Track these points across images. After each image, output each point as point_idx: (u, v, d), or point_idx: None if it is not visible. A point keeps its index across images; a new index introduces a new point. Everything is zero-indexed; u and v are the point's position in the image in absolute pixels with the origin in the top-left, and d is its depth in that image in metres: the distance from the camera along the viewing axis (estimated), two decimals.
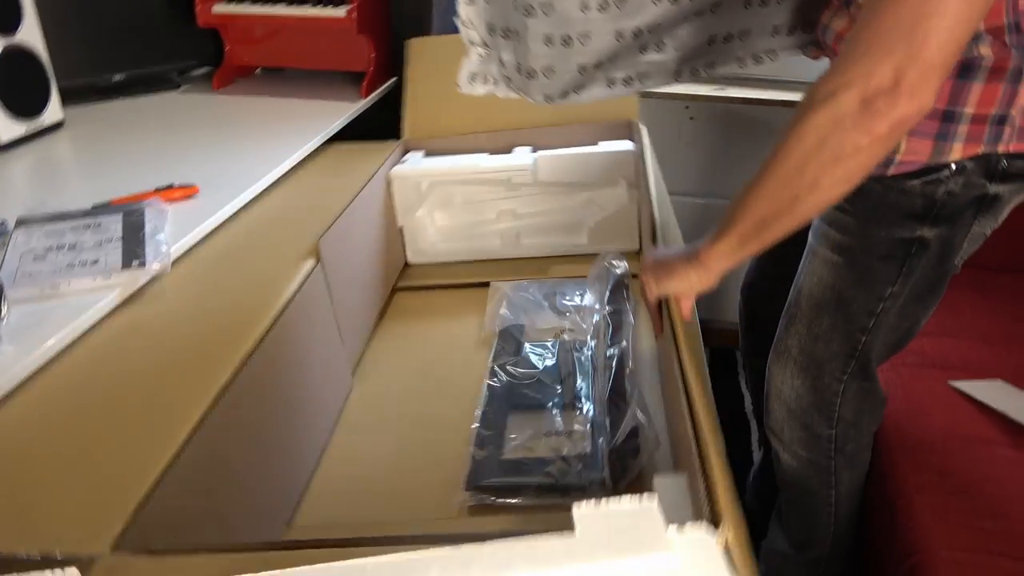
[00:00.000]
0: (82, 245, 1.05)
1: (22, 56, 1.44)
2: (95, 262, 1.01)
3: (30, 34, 1.45)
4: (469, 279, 1.52)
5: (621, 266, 1.34)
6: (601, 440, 1.03)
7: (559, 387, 1.18)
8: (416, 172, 1.50)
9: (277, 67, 1.94)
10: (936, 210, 0.92)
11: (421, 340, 1.38)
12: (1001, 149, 0.87)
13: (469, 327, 1.39)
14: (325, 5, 1.70)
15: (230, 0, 1.75)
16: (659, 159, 1.55)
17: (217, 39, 1.83)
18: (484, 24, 1.09)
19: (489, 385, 1.19)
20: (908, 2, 0.63)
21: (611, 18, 1.03)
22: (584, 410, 1.12)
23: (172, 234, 1.10)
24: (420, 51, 1.66)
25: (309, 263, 1.09)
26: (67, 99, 1.56)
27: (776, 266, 1.19)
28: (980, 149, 0.87)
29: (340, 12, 1.67)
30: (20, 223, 1.10)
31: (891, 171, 0.92)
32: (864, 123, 0.66)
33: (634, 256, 1.49)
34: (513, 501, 0.97)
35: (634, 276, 1.34)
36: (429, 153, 1.59)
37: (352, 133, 1.62)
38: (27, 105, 1.47)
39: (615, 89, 1.12)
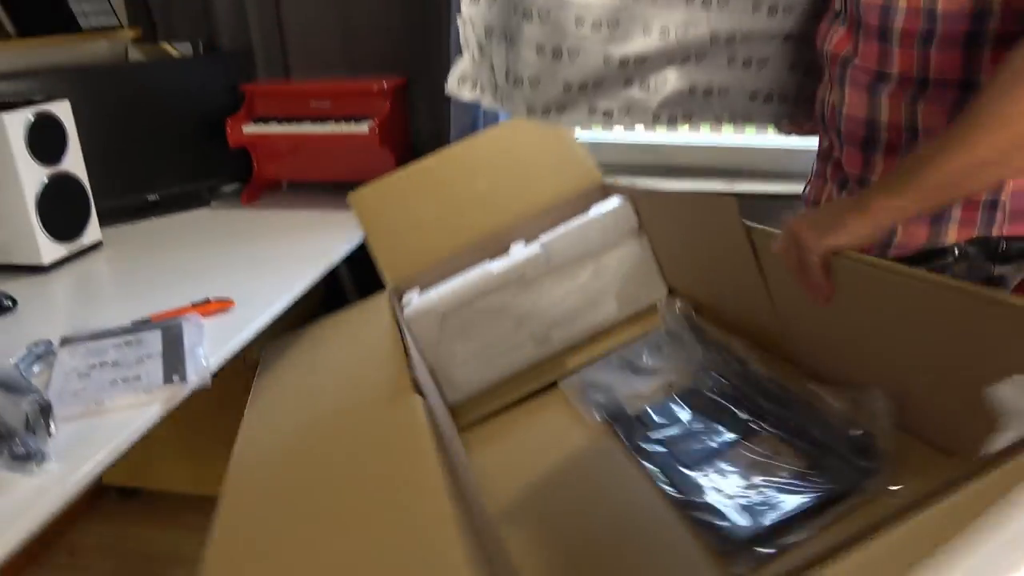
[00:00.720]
0: (124, 361, 1.08)
1: (66, 183, 1.52)
2: (137, 378, 1.04)
3: (73, 162, 1.53)
4: (521, 393, 1.33)
5: (680, 304, 1.28)
6: (825, 437, 0.91)
7: (719, 426, 1.04)
8: (430, 307, 1.34)
9: (303, 180, 2.02)
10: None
11: (528, 463, 1.13)
12: (995, 233, 0.90)
13: (563, 433, 1.19)
14: (348, 122, 1.80)
15: (258, 121, 1.85)
16: None
17: (246, 156, 1.93)
18: (483, 25, 1.09)
19: (649, 466, 1.02)
20: None
21: (602, 39, 1.04)
22: (767, 426, 0.99)
23: (210, 347, 1.13)
24: (363, 201, 1.50)
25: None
26: (104, 219, 1.64)
27: None
28: (975, 232, 0.90)
29: (363, 128, 1.76)
30: (65, 342, 1.14)
31: (891, 253, 0.95)
32: None
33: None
34: (793, 539, 0.81)
35: (696, 311, 1.27)
36: (424, 288, 1.43)
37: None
38: (68, 228, 1.54)
39: (595, 118, 1.12)
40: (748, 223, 1.02)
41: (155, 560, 1.77)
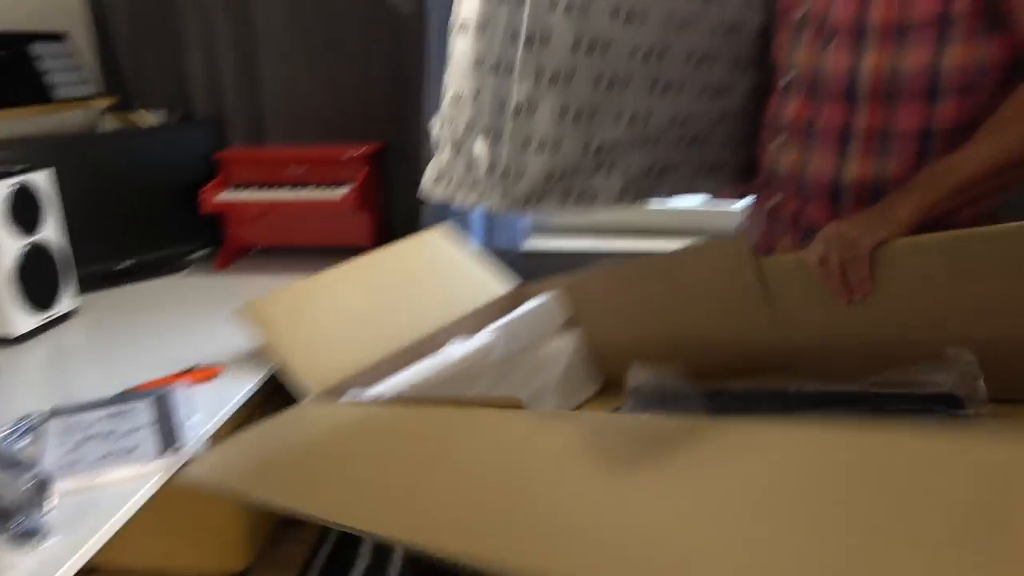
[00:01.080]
0: (116, 433, 1.08)
1: (42, 253, 1.51)
2: (131, 450, 1.04)
3: (50, 231, 1.53)
4: None
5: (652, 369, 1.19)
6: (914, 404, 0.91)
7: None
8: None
9: (277, 246, 2.03)
10: None
11: None
12: None
13: None
14: (325, 188, 1.83)
15: (235, 188, 1.87)
16: None
17: (219, 222, 1.94)
18: (465, 122, 1.13)
19: None
20: None
21: (582, 129, 1.10)
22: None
23: (203, 415, 1.14)
24: (264, 310, 1.31)
25: None
26: (79, 287, 1.63)
27: None
28: None
29: (339, 193, 1.80)
30: (54, 414, 1.13)
31: None
32: None
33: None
34: None
35: None
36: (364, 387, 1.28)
37: None
38: (44, 297, 1.53)
39: (567, 205, 1.16)
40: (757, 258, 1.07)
41: None
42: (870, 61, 1.01)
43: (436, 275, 1.50)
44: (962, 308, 0.91)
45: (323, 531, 2.00)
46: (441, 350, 1.32)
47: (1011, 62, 0.99)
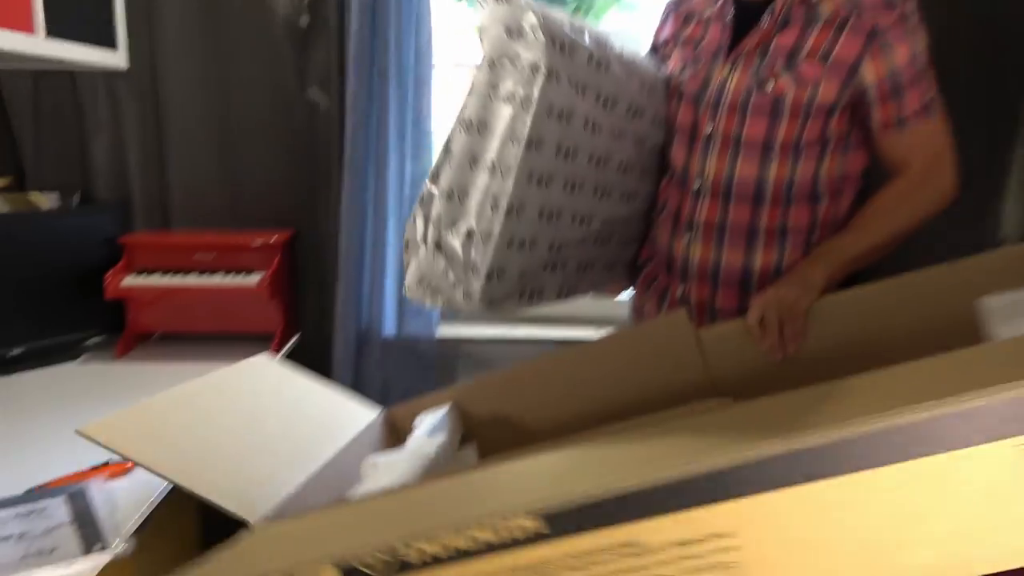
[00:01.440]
0: (31, 533, 1.03)
1: None
2: (51, 551, 0.99)
3: None
4: None
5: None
6: None
7: None
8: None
9: (180, 333, 1.99)
10: None
11: None
12: None
13: None
14: (237, 274, 1.83)
15: (140, 273, 1.83)
16: None
17: (116, 308, 1.88)
18: (450, 223, 1.17)
19: None
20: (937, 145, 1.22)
21: (551, 230, 1.19)
22: None
23: (124, 511, 1.10)
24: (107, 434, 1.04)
25: None
26: None
27: None
28: None
29: (252, 281, 1.80)
30: None
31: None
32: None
33: None
34: None
35: None
36: None
37: None
38: None
39: (522, 302, 1.25)
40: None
41: None
42: (774, 171, 1.21)
43: (289, 401, 1.29)
44: (870, 346, 1.10)
45: None
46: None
47: (865, 170, 1.27)
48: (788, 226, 1.24)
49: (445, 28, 2.05)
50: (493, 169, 1.12)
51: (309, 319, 2.03)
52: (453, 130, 1.16)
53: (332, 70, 1.88)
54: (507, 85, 1.11)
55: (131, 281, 1.81)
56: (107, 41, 1.74)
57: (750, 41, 1.21)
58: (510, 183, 1.11)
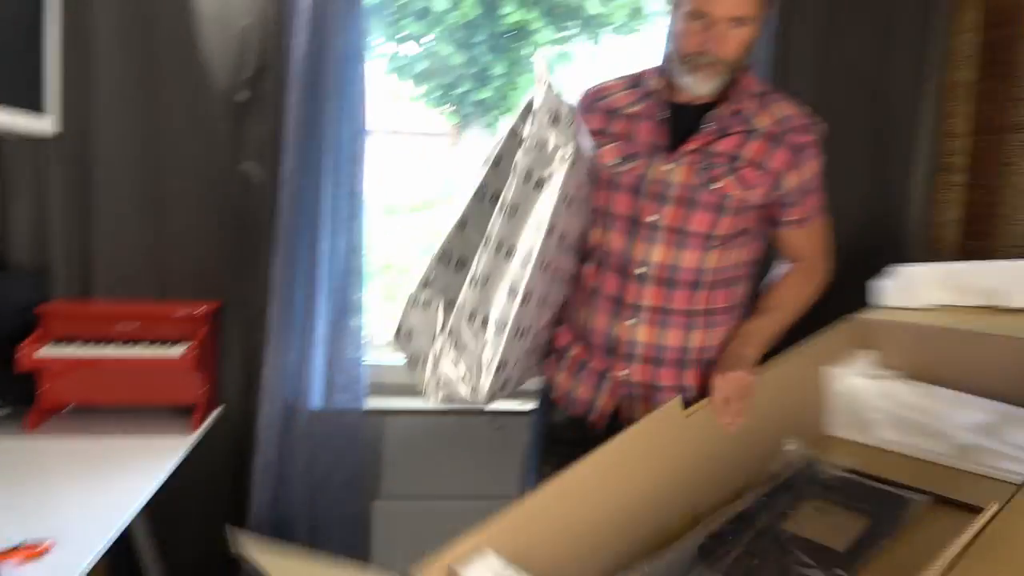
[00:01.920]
0: None
1: None
2: None
3: None
4: None
5: None
6: None
7: None
8: None
9: (96, 405, 1.91)
10: None
11: None
12: None
13: None
14: (157, 345, 1.79)
15: (57, 343, 1.77)
16: None
17: (24, 379, 1.80)
18: (471, 311, 1.21)
19: None
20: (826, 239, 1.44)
21: (537, 315, 1.28)
22: None
23: None
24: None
25: None
26: None
27: None
28: None
29: (176, 352, 1.76)
30: None
31: None
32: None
33: None
34: None
35: None
36: None
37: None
38: None
39: (502, 393, 1.32)
40: None
41: None
42: (712, 259, 1.34)
43: None
44: (786, 410, 1.36)
45: None
46: None
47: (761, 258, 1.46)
48: (716, 308, 1.37)
49: (376, 95, 2.09)
50: (516, 254, 1.19)
51: (232, 391, 1.99)
52: (494, 216, 1.20)
53: (268, 144, 1.90)
54: (538, 171, 1.20)
55: (46, 352, 1.75)
56: (34, 105, 1.72)
57: (693, 143, 1.33)
58: (530, 268, 1.18)
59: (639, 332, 1.36)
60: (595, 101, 1.45)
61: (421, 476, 2.11)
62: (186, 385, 1.83)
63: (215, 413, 1.90)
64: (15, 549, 1.18)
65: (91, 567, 1.19)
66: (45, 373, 1.80)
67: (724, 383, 1.28)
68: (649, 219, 1.34)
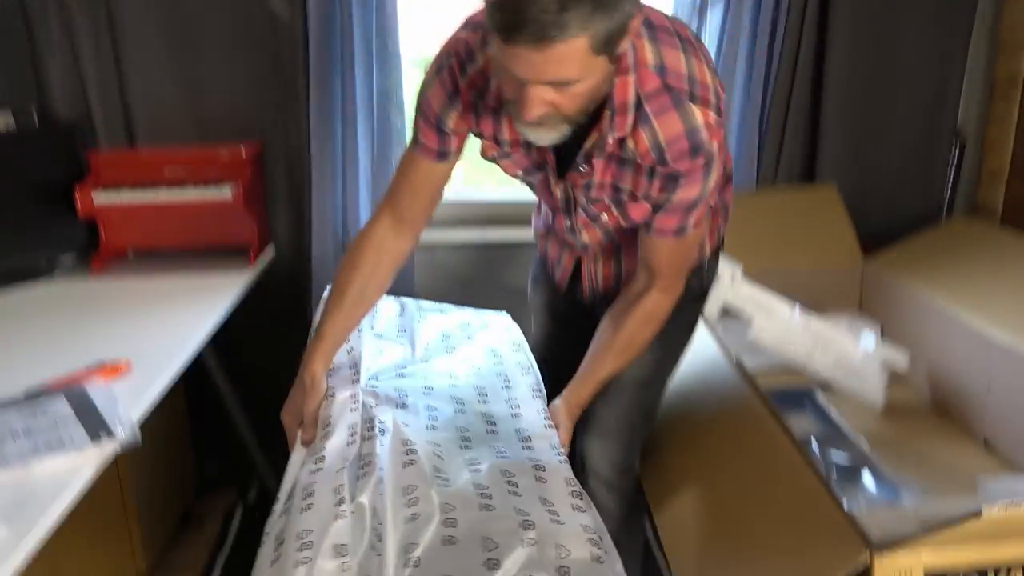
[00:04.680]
0: (36, 428, 1.06)
1: None
2: (59, 441, 1.02)
3: None
4: None
5: None
6: None
7: None
8: None
9: (153, 249, 1.98)
10: (704, 291, 1.40)
11: None
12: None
13: None
14: (208, 186, 1.82)
15: (107, 189, 1.81)
16: None
17: (85, 225, 1.86)
18: None
19: None
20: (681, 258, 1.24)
21: None
22: None
23: (125, 406, 1.14)
24: None
25: None
26: None
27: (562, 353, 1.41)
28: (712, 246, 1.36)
29: (225, 193, 1.79)
30: None
31: None
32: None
33: None
34: None
35: None
36: None
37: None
38: None
39: None
40: None
41: None
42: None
43: None
44: None
45: (221, 533, 1.97)
46: None
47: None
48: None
49: None
50: None
51: (283, 231, 2.04)
52: None
53: None
54: None
55: (103, 197, 1.79)
56: None
57: (572, 178, 1.17)
58: None
59: (587, 240, 1.31)
60: (467, 63, 1.11)
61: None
62: (238, 225, 1.87)
63: (269, 253, 1.96)
64: (95, 369, 1.26)
65: (167, 388, 1.27)
66: (104, 219, 1.86)
67: (562, 423, 1.26)
68: (565, 219, 1.28)
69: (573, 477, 1.09)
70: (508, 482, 1.04)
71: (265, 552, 0.95)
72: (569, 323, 1.46)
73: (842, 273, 1.99)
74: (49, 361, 1.31)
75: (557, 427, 1.23)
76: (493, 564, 0.89)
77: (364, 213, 1.97)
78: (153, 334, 1.45)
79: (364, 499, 0.97)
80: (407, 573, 0.88)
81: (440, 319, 1.57)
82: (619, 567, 0.96)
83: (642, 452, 1.44)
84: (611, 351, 1.26)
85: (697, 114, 1.04)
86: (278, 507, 1.02)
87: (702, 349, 1.52)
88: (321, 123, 1.89)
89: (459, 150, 1.20)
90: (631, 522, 1.46)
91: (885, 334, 1.83)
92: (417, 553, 0.91)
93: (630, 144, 1.07)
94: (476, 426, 1.19)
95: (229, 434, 2.01)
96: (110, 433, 1.04)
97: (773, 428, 1.24)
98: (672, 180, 1.10)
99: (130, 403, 1.16)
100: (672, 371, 1.42)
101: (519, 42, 0.87)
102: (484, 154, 1.22)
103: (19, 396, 1.17)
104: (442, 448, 1.11)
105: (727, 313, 1.70)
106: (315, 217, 1.94)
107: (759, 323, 1.67)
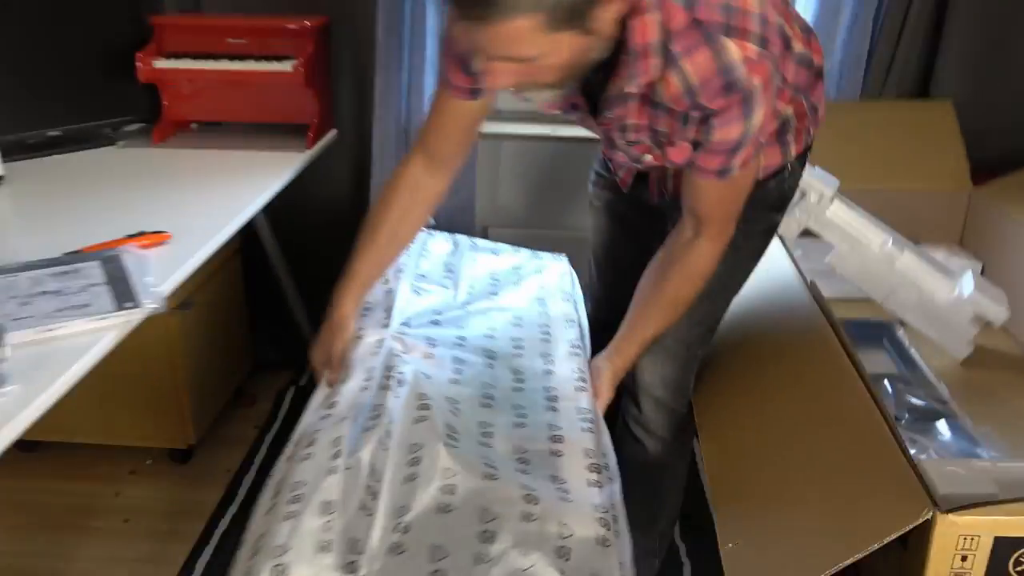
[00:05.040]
0: (66, 290, 1.04)
1: None
2: (86, 305, 1.00)
3: None
4: None
5: None
6: None
7: None
8: None
9: (214, 121, 1.94)
10: (784, 199, 1.23)
11: None
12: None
13: None
14: (270, 60, 1.75)
15: (170, 56, 1.76)
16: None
17: (150, 95, 1.83)
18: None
19: None
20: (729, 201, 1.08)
21: None
22: None
23: (157, 276, 1.11)
24: None
25: None
26: (3, 154, 1.53)
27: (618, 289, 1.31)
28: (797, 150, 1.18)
29: (287, 67, 1.72)
30: None
31: (760, 176, 1.12)
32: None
33: None
34: None
35: None
36: None
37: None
38: None
39: None
40: None
41: (70, 512, 1.70)
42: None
43: None
44: None
45: (272, 412, 2.00)
46: None
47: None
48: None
49: None
50: None
51: (347, 115, 1.97)
52: None
53: None
54: None
55: (164, 64, 1.75)
56: None
57: (605, 122, 1.05)
58: None
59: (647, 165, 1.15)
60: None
61: (536, 205, 2.07)
62: (299, 102, 1.81)
63: (330, 135, 1.89)
64: (135, 236, 1.23)
65: (204, 261, 1.24)
66: (164, 87, 1.83)
67: (602, 383, 1.19)
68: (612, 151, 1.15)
69: (594, 448, 1.00)
70: (519, 459, 0.97)
71: (264, 499, 0.91)
72: (632, 227, 1.35)
73: (946, 198, 1.78)
74: (97, 226, 1.29)
75: (597, 394, 1.17)
76: (488, 537, 0.83)
77: (427, 101, 1.87)
78: (200, 207, 1.43)
79: (364, 454, 0.92)
80: (395, 538, 0.83)
81: (491, 260, 1.49)
82: (627, 554, 0.89)
83: (697, 372, 1.35)
84: (656, 307, 1.18)
85: (733, 49, 0.89)
86: (287, 450, 0.98)
87: (774, 267, 1.39)
88: (389, 5, 1.79)
89: None
90: (680, 444, 1.39)
91: (985, 273, 1.65)
92: (408, 517, 0.86)
93: (660, 89, 0.95)
94: (503, 381, 1.12)
95: (287, 319, 2.02)
96: (136, 303, 1.01)
97: (843, 362, 1.12)
98: (706, 123, 0.97)
99: (166, 273, 1.14)
100: (739, 286, 1.29)
101: (461, 16, 0.83)
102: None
103: (60, 257, 1.16)
104: (460, 405, 1.04)
105: (808, 233, 1.55)
106: (378, 102, 1.86)
107: (840, 251, 1.52)
